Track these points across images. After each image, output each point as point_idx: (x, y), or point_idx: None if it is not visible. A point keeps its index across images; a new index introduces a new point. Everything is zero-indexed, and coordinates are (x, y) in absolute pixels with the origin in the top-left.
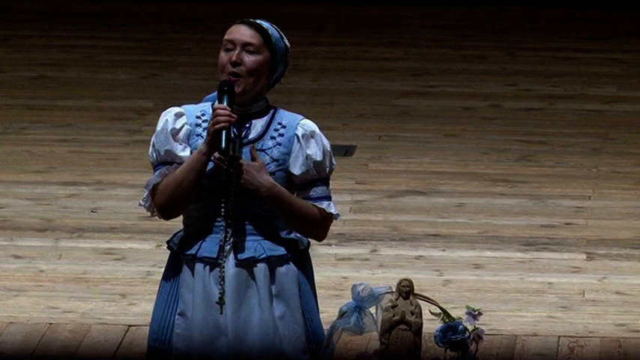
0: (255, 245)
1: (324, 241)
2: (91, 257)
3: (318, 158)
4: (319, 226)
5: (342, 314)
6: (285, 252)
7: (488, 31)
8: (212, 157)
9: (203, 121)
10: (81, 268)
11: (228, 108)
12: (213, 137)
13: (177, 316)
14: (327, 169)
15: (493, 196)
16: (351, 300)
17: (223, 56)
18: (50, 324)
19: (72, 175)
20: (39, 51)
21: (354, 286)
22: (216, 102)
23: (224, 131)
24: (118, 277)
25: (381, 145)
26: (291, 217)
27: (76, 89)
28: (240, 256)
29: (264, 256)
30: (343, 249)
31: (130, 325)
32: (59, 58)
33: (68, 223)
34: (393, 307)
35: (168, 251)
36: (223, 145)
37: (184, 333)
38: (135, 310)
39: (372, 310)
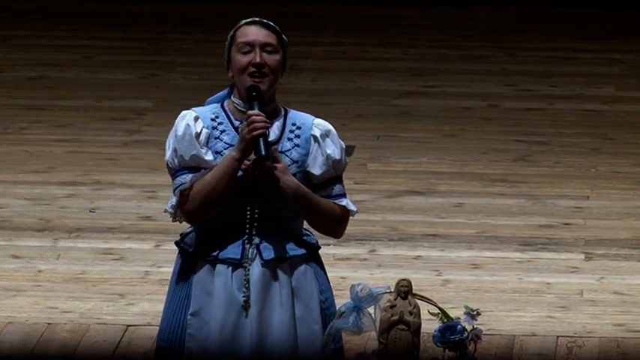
0: (278, 246)
1: (323, 242)
2: (89, 257)
3: (337, 157)
4: (340, 223)
5: (340, 314)
6: (305, 252)
7: (487, 32)
8: None
9: (218, 124)
10: (79, 268)
11: (262, 114)
12: (249, 144)
13: (189, 317)
14: (342, 166)
15: (492, 196)
16: (349, 300)
17: (241, 59)
18: (49, 324)
19: (71, 175)
20: (38, 51)
21: (353, 286)
22: (225, 102)
23: (261, 138)
24: (117, 277)
25: (379, 145)
26: (315, 216)
27: (76, 89)
28: (266, 257)
29: (287, 256)
30: (342, 249)
31: (128, 325)
32: (59, 58)
33: (67, 223)
34: (392, 307)
35: (167, 251)
36: (263, 151)
37: (197, 333)
38: (133, 310)
39: (371, 310)
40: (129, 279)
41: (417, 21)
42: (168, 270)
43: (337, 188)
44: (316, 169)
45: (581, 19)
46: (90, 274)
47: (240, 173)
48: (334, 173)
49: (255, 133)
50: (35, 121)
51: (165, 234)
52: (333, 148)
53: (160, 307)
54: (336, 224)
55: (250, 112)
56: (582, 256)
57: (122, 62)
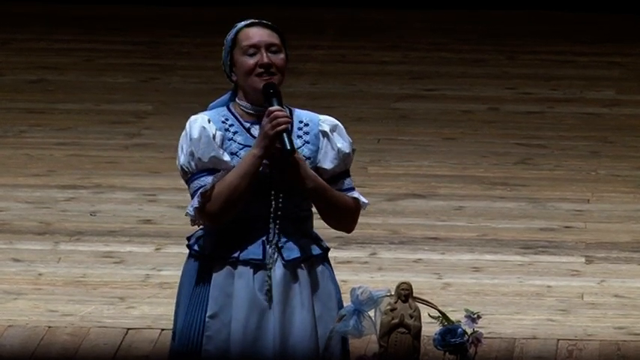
0: (298, 246)
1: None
2: (90, 260)
3: (347, 150)
4: (353, 215)
5: (341, 317)
6: (321, 251)
7: (487, 35)
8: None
9: (229, 125)
10: (80, 272)
11: (282, 109)
12: (272, 140)
13: (207, 319)
14: (351, 160)
15: (492, 200)
16: (350, 303)
17: (247, 61)
18: (49, 327)
19: (71, 178)
20: (38, 54)
21: (353, 289)
22: (230, 105)
23: (284, 133)
24: (117, 280)
25: (380, 149)
26: (331, 209)
27: (76, 93)
28: (287, 257)
29: (307, 256)
30: (342, 252)
31: (128, 329)
32: (58, 61)
33: (67, 226)
34: (392, 310)
35: (168, 255)
36: (288, 145)
37: (216, 335)
38: (134, 313)
39: (371, 313)
40: (129, 282)
41: (417, 24)
42: (168, 273)
43: (347, 182)
44: (327, 163)
45: (581, 22)
46: (90, 277)
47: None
48: (344, 167)
49: (279, 128)
50: (35, 124)
51: (166, 237)
52: (342, 142)
53: (160, 310)
54: (350, 217)
55: (271, 108)
56: (583, 260)
57: (122, 66)
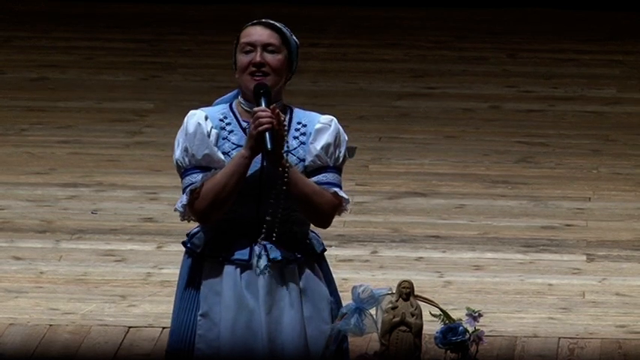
0: (286, 247)
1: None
2: (91, 259)
3: (330, 141)
4: (329, 209)
5: (342, 316)
6: (312, 253)
7: (488, 33)
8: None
9: (227, 124)
10: (81, 270)
11: (268, 109)
12: (256, 139)
13: (199, 317)
14: (340, 158)
15: (493, 198)
16: (351, 301)
17: (243, 59)
18: (50, 325)
19: (72, 176)
20: (39, 52)
21: (355, 287)
22: (233, 103)
23: (267, 132)
24: (118, 278)
25: (381, 147)
26: (305, 194)
27: (77, 91)
28: (273, 258)
29: (294, 257)
30: (343, 250)
31: (130, 327)
32: (60, 59)
33: (68, 224)
34: (394, 308)
35: (169, 253)
36: (269, 145)
37: (207, 334)
38: (135, 311)
39: (373, 311)
40: (130, 280)
41: (418, 22)
42: (169, 271)
43: (330, 176)
44: (308, 156)
45: (582, 20)
46: (91, 275)
47: (256, 167)
48: (328, 162)
49: (260, 128)
50: (36, 122)
51: (167, 235)
52: (327, 136)
53: (162, 308)
54: (325, 211)
55: (256, 108)
56: (584, 258)
57: (123, 64)
